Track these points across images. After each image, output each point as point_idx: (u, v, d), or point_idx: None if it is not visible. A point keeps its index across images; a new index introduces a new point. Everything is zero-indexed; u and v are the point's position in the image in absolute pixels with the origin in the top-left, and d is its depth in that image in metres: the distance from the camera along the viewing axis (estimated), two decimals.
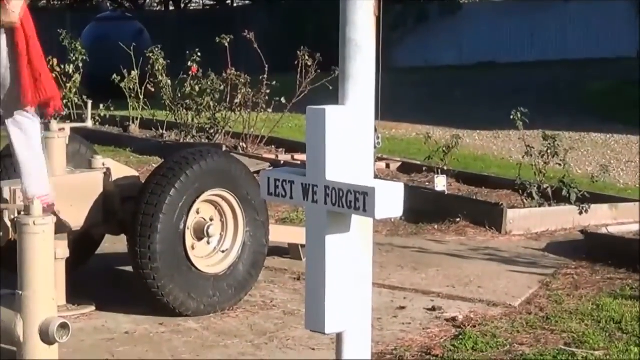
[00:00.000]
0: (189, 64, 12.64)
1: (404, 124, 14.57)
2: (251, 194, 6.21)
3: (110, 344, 5.60)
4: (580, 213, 8.33)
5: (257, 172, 7.14)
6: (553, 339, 5.70)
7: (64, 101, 12.53)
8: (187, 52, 12.83)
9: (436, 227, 8.43)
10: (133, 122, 13.48)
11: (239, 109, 12.22)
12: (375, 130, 3.45)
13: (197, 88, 12.53)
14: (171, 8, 35.47)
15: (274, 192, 3.49)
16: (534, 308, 6.28)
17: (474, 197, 9.28)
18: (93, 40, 18.08)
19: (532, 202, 8.69)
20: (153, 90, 13.06)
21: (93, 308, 6.09)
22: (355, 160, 3.33)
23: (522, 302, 6.42)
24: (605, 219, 8.46)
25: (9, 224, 5.64)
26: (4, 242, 5.72)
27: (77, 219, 6.07)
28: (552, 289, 6.71)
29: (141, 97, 13.35)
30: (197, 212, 6.08)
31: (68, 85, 13.19)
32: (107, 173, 6.26)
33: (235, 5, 36.07)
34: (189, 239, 6.02)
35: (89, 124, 7.00)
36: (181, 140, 12.36)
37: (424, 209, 8.39)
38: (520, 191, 8.82)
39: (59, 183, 5.94)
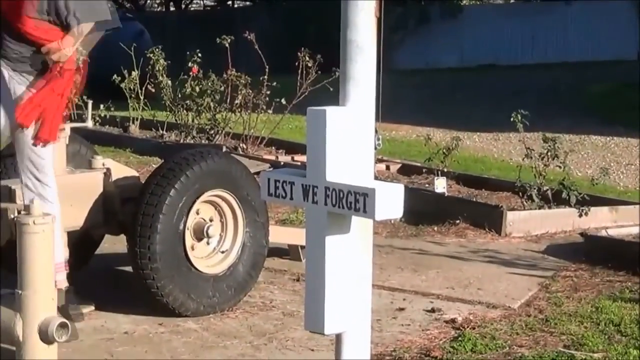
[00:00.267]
0: (190, 64, 12.63)
1: (405, 125, 14.57)
2: (251, 194, 6.21)
3: (110, 344, 5.60)
4: (580, 215, 8.33)
5: (257, 173, 7.15)
6: (552, 341, 5.70)
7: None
8: (188, 52, 12.82)
9: (436, 229, 8.43)
10: (133, 123, 13.48)
11: (239, 109, 12.22)
12: (376, 131, 3.45)
13: (197, 89, 12.52)
14: (172, 9, 35.50)
15: (274, 192, 3.50)
16: (534, 310, 6.29)
17: (474, 199, 9.28)
18: None
19: (532, 204, 8.69)
20: (153, 90, 13.05)
21: (92, 308, 6.08)
22: (356, 161, 3.33)
23: (521, 304, 6.42)
24: (605, 221, 8.46)
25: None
26: (4, 241, 5.72)
27: (76, 219, 6.07)
28: (552, 291, 6.71)
29: (141, 97, 13.34)
30: (197, 213, 6.08)
31: None
32: (107, 173, 6.26)
33: (235, 6, 36.10)
34: (189, 240, 6.03)
35: (89, 124, 6.99)
36: (181, 141, 12.36)
37: (424, 210, 8.39)
38: (520, 193, 8.82)
39: (59, 183, 5.94)
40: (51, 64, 5.74)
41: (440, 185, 9.18)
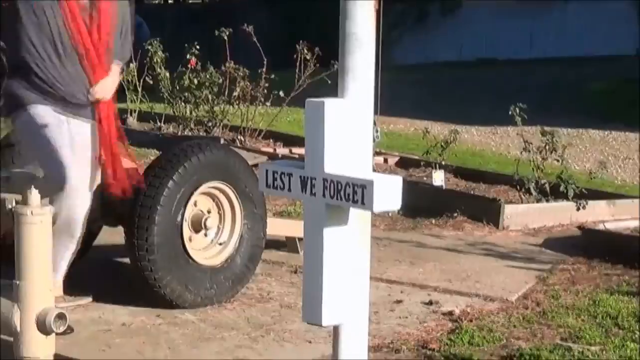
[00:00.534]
0: (188, 57, 12.62)
1: (403, 119, 14.57)
2: (249, 186, 6.21)
3: (107, 335, 5.60)
4: (578, 209, 8.34)
5: (255, 166, 7.15)
6: (549, 334, 5.71)
7: None
8: (186, 45, 12.81)
9: (434, 222, 8.43)
10: (131, 115, 13.46)
11: (237, 102, 12.21)
12: (374, 123, 3.46)
13: (195, 81, 12.51)
14: (170, 1, 35.44)
15: (272, 184, 3.50)
16: (531, 303, 6.29)
17: (472, 193, 9.29)
18: None
19: (530, 197, 8.70)
20: (151, 82, 13.04)
21: (90, 299, 6.08)
22: (354, 153, 3.34)
23: (518, 297, 6.43)
24: (602, 215, 8.47)
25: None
26: (3, 232, 5.71)
27: None
28: (549, 284, 6.72)
29: (139, 89, 13.33)
30: (195, 205, 6.08)
31: None
32: None
33: None
34: (187, 232, 6.02)
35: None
36: (179, 133, 12.35)
37: (421, 204, 8.39)
38: (518, 187, 8.83)
39: None
40: (94, 101, 5.64)
41: (438, 178, 9.19)
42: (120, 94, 13.38)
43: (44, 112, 5.56)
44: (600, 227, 8.02)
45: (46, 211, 4.46)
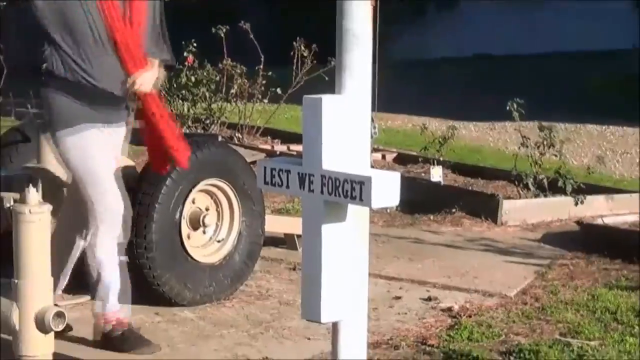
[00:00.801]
0: (185, 54, 12.61)
1: (401, 115, 14.56)
2: (247, 183, 6.20)
3: None
4: (576, 204, 8.34)
5: (253, 163, 7.15)
6: (548, 329, 5.71)
7: None
8: (183, 42, 12.79)
9: (432, 218, 8.43)
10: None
11: (234, 99, 12.21)
12: (372, 120, 3.45)
13: (192, 78, 12.50)
14: None
15: (270, 181, 3.50)
16: (530, 298, 6.29)
17: (470, 188, 9.29)
18: None
19: (528, 193, 8.70)
20: None
21: (88, 298, 6.07)
22: (352, 149, 3.33)
23: (517, 293, 6.43)
24: (601, 210, 8.47)
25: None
26: (3, 229, 5.70)
27: None
28: (548, 279, 6.72)
29: None
30: (193, 202, 6.07)
31: None
32: None
33: None
34: (185, 229, 6.02)
35: None
36: None
37: (420, 199, 8.39)
38: (516, 182, 8.83)
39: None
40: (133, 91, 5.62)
41: (437, 174, 9.19)
42: None
43: (90, 135, 5.47)
44: (599, 221, 8.03)
45: (44, 209, 4.45)
